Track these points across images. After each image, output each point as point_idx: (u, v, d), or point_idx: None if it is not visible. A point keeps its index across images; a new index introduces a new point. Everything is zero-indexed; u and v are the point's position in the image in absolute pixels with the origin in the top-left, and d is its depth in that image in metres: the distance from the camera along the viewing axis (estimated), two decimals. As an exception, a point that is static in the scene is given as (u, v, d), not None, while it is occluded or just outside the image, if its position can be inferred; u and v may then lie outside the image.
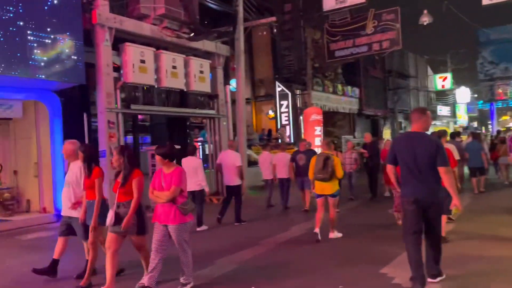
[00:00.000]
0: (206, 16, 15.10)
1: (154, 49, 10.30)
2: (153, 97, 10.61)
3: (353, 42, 17.85)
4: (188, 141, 13.36)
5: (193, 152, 7.87)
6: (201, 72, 11.65)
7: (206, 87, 11.85)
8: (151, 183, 4.40)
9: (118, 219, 4.23)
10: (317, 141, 17.02)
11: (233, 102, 12.96)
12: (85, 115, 9.57)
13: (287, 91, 18.42)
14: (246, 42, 19.94)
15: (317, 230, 6.40)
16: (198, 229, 7.62)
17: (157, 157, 4.31)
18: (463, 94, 46.32)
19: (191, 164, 7.50)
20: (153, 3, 10.14)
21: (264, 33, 13.00)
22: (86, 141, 9.54)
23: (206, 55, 12.26)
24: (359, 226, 7.59)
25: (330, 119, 24.50)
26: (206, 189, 7.73)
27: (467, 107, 48.48)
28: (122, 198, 4.31)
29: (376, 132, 27.02)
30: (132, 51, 9.71)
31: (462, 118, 47.11)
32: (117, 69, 9.83)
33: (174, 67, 10.78)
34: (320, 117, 17.32)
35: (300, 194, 9.74)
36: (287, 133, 18.29)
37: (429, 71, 38.88)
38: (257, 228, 7.90)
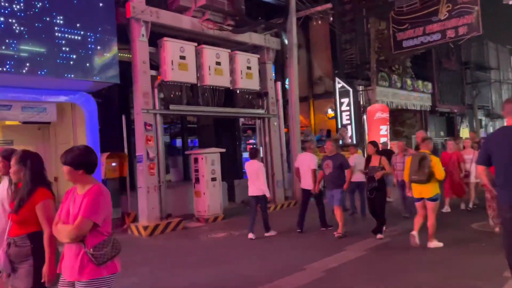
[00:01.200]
0: (257, 11, 14.13)
1: (196, 44, 9.47)
2: (196, 96, 9.78)
3: (424, 30, 15.86)
4: (238, 143, 12.43)
5: (255, 155, 7.67)
6: (249, 68, 10.64)
7: (254, 84, 10.82)
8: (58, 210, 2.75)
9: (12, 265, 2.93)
10: (383, 141, 15.33)
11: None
12: (123, 118, 8.94)
13: (348, 87, 16.85)
14: (303, 36, 18.72)
15: (414, 232, 6.04)
16: (266, 234, 7.59)
17: (64, 168, 2.66)
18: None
19: (253, 167, 7.42)
20: (193, -7, 9.30)
21: (320, 22, 11.71)
22: (125, 145, 8.93)
23: (254, 49, 11.24)
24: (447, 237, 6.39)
25: (399, 117, 22.43)
26: (267, 194, 7.54)
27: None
28: (14, 231, 2.95)
29: (452, 131, 24.33)
30: (171, 46, 8.94)
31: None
32: (155, 67, 9.13)
33: (218, 63, 9.88)
34: (386, 115, 15.58)
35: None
36: (349, 134, 16.71)
37: (513, 62, 34.79)
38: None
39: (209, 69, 9.66)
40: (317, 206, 7.83)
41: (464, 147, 9.67)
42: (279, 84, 11.82)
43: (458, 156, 9.08)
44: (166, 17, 8.90)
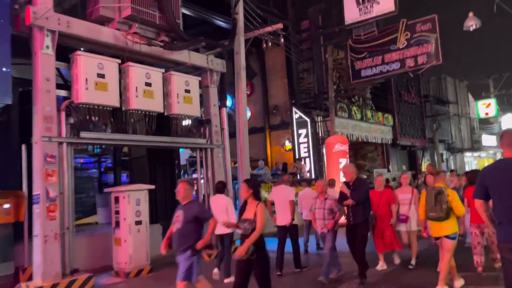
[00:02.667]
0: (215, 35, 12.96)
1: (119, 61, 7.99)
2: (119, 122, 8.21)
3: (382, 58, 15.14)
4: (177, 178, 10.82)
5: (221, 189, 7.21)
6: (187, 91, 9.22)
7: (194, 110, 9.38)
8: None
9: None
10: (343, 177, 14.09)
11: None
12: (23, 147, 7.20)
13: (305, 118, 15.76)
14: (259, 63, 17.69)
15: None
16: (226, 280, 6.67)
17: None
18: (510, 122, 42.18)
19: (220, 203, 6.96)
20: (117, 1, 7.91)
21: (271, 44, 10.52)
22: (24, 181, 7.15)
23: (196, 71, 9.88)
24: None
25: (360, 150, 21.58)
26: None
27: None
28: None
29: (414, 165, 23.67)
30: (86, 62, 7.41)
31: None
32: (67, 86, 7.55)
33: (148, 84, 8.41)
34: (345, 147, 14.46)
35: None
36: (306, 167, 15.45)
37: (470, 97, 35.33)
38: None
39: (136, 90, 8.16)
40: (292, 245, 7.28)
41: (400, 184, 7.66)
42: (224, 110, 10.43)
43: (389, 196, 7.00)
44: (80, 27, 7.42)
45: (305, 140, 15.70)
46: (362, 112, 18.76)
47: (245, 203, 4.59)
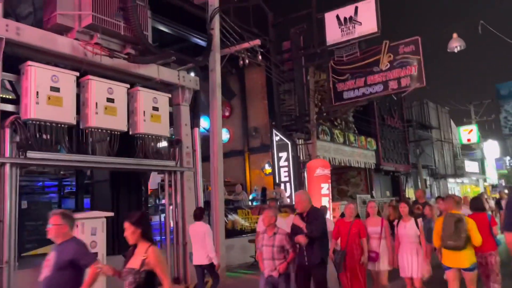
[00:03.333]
0: (183, 49, 12.39)
1: (77, 74, 7.25)
2: (76, 142, 7.41)
3: (365, 80, 14.74)
4: (144, 204, 9.95)
5: (200, 216, 6.85)
6: (155, 109, 8.49)
7: (162, 130, 8.62)
8: None
9: None
10: (325, 202, 13.38)
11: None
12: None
13: (286, 140, 15.12)
14: (238, 84, 17.14)
15: None
16: None
17: None
18: (491, 149, 42.43)
19: (199, 230, 6.59)
20: (76, 8, 7.23)
21: (248, 62, 9.96)
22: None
23: (167, 87, 9.18)
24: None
25: (343, 175, 20.99)
26: (215, 262, 6.58)
27: (496, 163, 44.19)
28: None
29: (398, 191, 23.14)
30: (38, 73, 6.65)
31: (492, 175, 42.73)
32: (15, 100, 6.76)
33: (110, 100, 7.66)
34: (327, 172, 13.77)
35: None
36: (287, 192, 14.70)
37: (452, 123, 35.45)
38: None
39: (97, 106, 7.40)
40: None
41: (368, 214, 6.64)
42: (196, 131, 9.69)
43: (360, 228, 6.14)
44: (33, 35, 6.68)
45: (286, 163, 15.01)
46: (344, 135, 18.27)
47: (134, 246, 3.57)
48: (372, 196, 19.26)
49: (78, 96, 7.41)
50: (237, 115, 16.84)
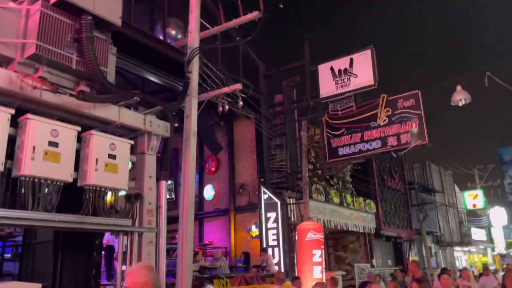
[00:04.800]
0: (168, 98, 11.46)
1: (12, 112, 6.06)
2: (3, 193, 6.06)
3: (362, 136, 13.61)
4: (95, 272, 8.32)
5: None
6: (112, 157, 7.20)
7: (119, 182, 7.26)
8: None
9: None
10: (317, 272, 11.74)
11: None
12: None
13: (275, 199, 13.69)
14: (226, 137, 16.02)
15: None
16: None
17: None
18: (498, 216, 40.47)
19: None
20: (20, 36, 6.21)
21: (228, 107, 8.94)
22: None
23: (130, 133, 7.97)
24: None
25: (340, 240, 19.26)
26: None
27: (504, 231, 41.99)
28: None
29: (400, 259, 21.20)
30: (-42, 107, 5.47)
31: (500, 244, 40.41)
32: None
33: (53, 144, 6.40)
34: (320, 236, 12.22)
35: None
36: (275, 259, 13.00)
37: (457, 188, 33.94)
38: None
39: (34, 151, 6.12)
40: None
41: None
42: (163, 184, 8.33)
43: None
44: (-45, 62, 5.58)
45: (274, 225, 13.46)
46: (341, 196, 16.83)
47: None
48: (372, 265, 17.42)
49: (14, 138, 6.19)
50: (223, 171, 15.57)
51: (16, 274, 8.80)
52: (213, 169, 15.79)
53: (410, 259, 22.32)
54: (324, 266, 11.99)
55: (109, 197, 7.30)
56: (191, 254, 8.36)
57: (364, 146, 13.57)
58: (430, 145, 12.76)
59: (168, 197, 16.64)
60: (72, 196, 7.04)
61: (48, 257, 7.48)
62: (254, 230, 14.16)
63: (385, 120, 13.28)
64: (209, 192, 15.71)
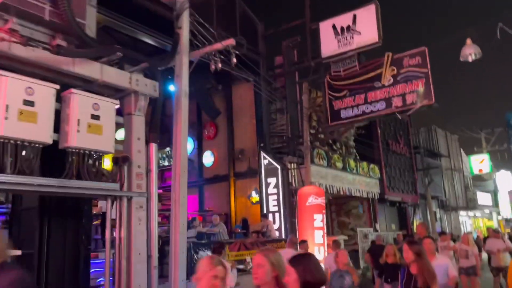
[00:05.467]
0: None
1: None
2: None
3: (365, 97, 13.00)
4: (84, 240, 8.00)
5: (219, 252, 6.55)
6: (95, 117, 6.73)
7: (104, 144, 6.83)
8: None
9: None
10: (318, 237, 11.45)
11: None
12: None
13: (276, 164, 13.28)
14: (225, 102, 15.48)
15: None
16: None
17: None
18: (504, 180, 40.09)
19: None
20: (-18, -17, 5.62)
21: (221, 66, 8.35)
22: None
23: (116, 93, 7.46)
24: None
25: (343, 205, 18.98)
26: None
27: (509, 196, 41.73)
28: None
29: (405, 224, 20.98)
30: None
31: (505, 208, 40.22)
32: None
33: (28, 103, 5.93)
34: (321, 201, 11.87)
35: None
36: (276, 224, 12.73)
37: (463, 152, 33.39)
38: None
39: (7, 110, 5.66)
40: None
41: None
42: (153, 146, 7.88)
43: None
44: None
45: (275, 191, 13.11)
46: (344, 161, 16.39)
47: None
48: (375, 230, 17.18)
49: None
50: (222, 136, 15.12)
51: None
52: (211, 135, 15.34)
53: (415, 224, 22.12)
54: (325, 231, 11.70)
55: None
56: (185, 219, 8.00)
57: (367, 108, 12.99)
58: (436, 105, 12.16)
59: (167, 164, 16.36)
60: (59, 161, 6.66)
61: (33, 224, 7.15)
62: (255, 196, 13.84)
63: (390, 79, 12.63)
64: (208, 158, 15.32)
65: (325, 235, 11.55)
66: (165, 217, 12.11)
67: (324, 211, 11.87)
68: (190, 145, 16.00)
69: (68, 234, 7.38)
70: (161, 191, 14.66)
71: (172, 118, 7.99)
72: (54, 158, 6.58)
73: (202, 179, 15.28)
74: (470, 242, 9.56)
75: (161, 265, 8.55)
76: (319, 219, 11.61)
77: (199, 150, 15.56)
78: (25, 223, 7.49)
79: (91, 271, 7.94)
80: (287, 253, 6.70)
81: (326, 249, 11.34)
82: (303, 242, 8.78)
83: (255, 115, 14.28)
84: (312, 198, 11.70)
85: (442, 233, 11.75)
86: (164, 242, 9.01)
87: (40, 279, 6.76)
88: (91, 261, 8.32)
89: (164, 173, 16.03)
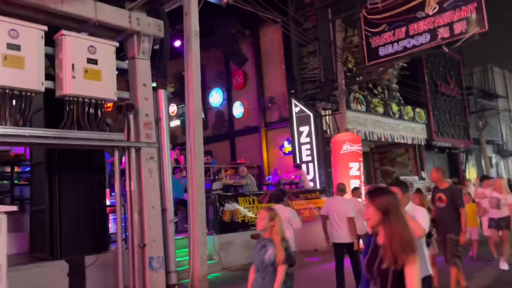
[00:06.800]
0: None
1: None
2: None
3: (407, 30, 11.54)
4: (100, 192, 7.66)
5: (280, 198, 6.06)
6: (92, 61, 6.13)
7: (104, 91, 6.26)
8: None
9: None
10: (354, 185, 10.55)
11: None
12: None
13: (308, 112, 12.33)
14: (252, 48, 14.48)
15: None
16: None
17: None
18: None
19: (281, 215, 4.76)
20: None
21: (271, 20, 7.28)
22: None
23: (116, 35, 6.78)
24: None
25: (387, 154, 17.83)
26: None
27: None
28: None
29: (456, 172, 19.50)
30: None
31: None
32: None
33: (13, 47, 5.40)
34: (357, 148, 10.91)
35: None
36: (309, 175, 11.98)
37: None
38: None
39: (-9, 55, 5.16)
40: (353, 266, 6.43)
41: None
42: (161, 93, 7.23)
43: None
44: None
45: (308, 140, 12.25)
46: (385, 105, 15.08)
47: None
48: (421, 178, 16.01)
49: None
50: (251, 85, 14.27)
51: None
52: (240, 84, 14.52)
53: (467, 171, 20.56)
54: (363, 180, 10.82)
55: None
56: (202, 170, 7.44)
57: (409, 43, 11.55)
58: (491, 32, 10.52)
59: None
60: (56, 109, 6.21)
61: (42, 179, 6.85)
62: (287, 146, 13.07)
63: (435, 8, 11.04)
64: (238, 109, 14.61)
65: (363, 185, 10.67)
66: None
67: (361, 159, 10.93)
68: (219, 96, 15.33)
69: (80, 189, 7.03)
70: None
71: (168, 56, 7.27)
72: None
73: (233, 131, 14.68)
74: (503, 189, 7.89)
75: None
76: (355, 168, 10.72)
77: (229, 102, 14.87)
78: (35, 179, 7.23)
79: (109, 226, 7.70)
80: (335, 200, 6.76)
81: (364, 200, 10.52)
82: (356, 189, 8.27)
83: (285, 60, 13.22)
84: (347, 146, 10.77)
85: (485, 177, 10.10)
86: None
87: (53, 235, 6.52)
88: (110, 217, 8.10)
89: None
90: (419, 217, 3.44)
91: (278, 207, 5.81)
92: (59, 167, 6.84)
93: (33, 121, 6.65)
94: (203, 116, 15.52)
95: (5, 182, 8.62)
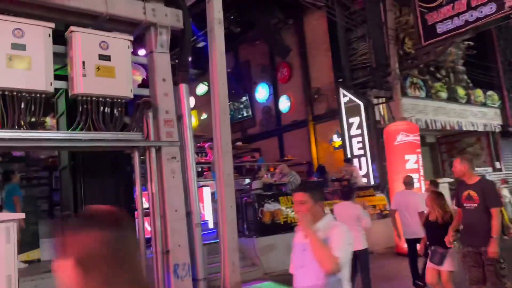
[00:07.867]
0: None
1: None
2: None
3: (468, 1, 10.12)
4: (129, 196, 7.35)
5: (349, 195, 5.87)
6: (105, 57, 5.80)
7: (118, 88, 5.91)
8: None
9: None
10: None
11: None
12: None
13: (357, 101, 11.28)
14: (296, 37, 13.66)
15: None
16: None
17: None
18: None
19: (350, 213, 5.53)
20: None
21: (314, 7, 6.66)
22: None
23: (128, 28, 6.41)
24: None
25: (455, 143, 16.11)
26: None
27: None
28: None
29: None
30: None
31: None
32: None
33: (18, 47, 5.19)
34: (414, 138, 9.72)
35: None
36: (361, 170, 10.93)
37: None
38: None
39: (-5, 57, 4.97)
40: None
41: None
42: (183, 88, 6.74)
43: None
44: None
45: (359, 131, 11.21)
46: (449, 89, 13.51)
47: None
48: (496, 169, 14.18)
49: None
50: (297, 78, 13.47)
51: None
52: (285, 77, 13.79)
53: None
54: (422, 174, 9.61)
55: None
56: (231, 169, 6.85)
57: (472, 16, 10.11)
58: None
59: (245, 114, 15.39)
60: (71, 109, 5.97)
61: (67, 184, 6.67)
62: (336, 140, 12.11)
63: (500, -28, 9.54)
64: (284, 103, 13.88)
65: (422, 179, 9.48)
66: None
67: (419, 151, 9.72)
68: (265, 91, 14.71)
69: (107, 193, 6.77)
70: (240, 143, 13.81)
71: (190, 49, 6.73)
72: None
73: (280, 126, 13.99)
74: None
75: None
76: (412, 160, 9.54)
77: (275, 96, 14.21)
78: (62, 184, 7.10)
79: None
80: (405, 194, 6.53)
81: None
82: (434, 182, 7.82)
83: (331, 47, 12.27)
84: (402, 136, 9.63)
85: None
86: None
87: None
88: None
89: (243, 124, 15.10)
90: (334, 239, 2.40)
91: (347, 204, 5.74)
92: (84, 171, 6.62)
93: (59, 124, 6.51)
94: (250, 113, 15.08)
95: (44, 187, 8.69)
